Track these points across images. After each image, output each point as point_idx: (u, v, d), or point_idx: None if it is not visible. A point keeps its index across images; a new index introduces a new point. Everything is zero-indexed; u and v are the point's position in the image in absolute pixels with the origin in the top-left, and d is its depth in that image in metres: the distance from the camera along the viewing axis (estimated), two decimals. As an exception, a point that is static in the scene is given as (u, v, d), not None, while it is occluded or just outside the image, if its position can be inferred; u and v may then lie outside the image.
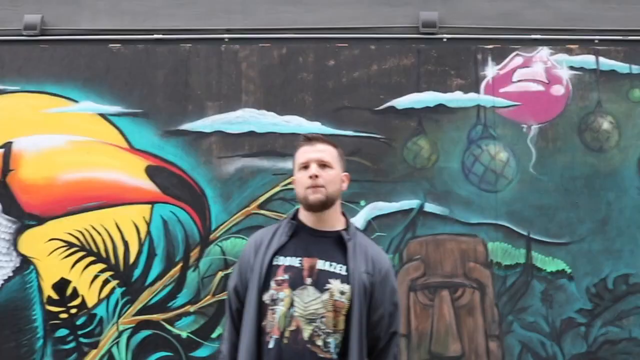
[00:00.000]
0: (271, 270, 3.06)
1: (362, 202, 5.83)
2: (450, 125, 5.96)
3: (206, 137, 5.93)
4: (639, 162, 5.95)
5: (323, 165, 3.10)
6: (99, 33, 6.12)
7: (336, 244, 3.11)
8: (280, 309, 2.98)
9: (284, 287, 3.01)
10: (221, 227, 5.83)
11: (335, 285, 3.00)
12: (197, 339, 5.64)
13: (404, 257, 5.78)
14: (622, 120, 6.00)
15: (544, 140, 5.93)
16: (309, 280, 3.00)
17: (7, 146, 5.88)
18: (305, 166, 3.12)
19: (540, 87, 6.09)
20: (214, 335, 5.63)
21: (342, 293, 2.99)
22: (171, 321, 5.69)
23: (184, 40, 6.11)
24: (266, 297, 3.01)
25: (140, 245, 5.82)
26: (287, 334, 2.94)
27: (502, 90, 6.05)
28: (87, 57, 6.06)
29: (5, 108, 5.97)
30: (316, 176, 3.05)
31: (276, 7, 6.21)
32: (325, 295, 2.98)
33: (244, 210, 5.86)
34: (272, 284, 3.02)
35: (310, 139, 3.24)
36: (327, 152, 3.17)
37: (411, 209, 5.86)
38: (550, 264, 5.81)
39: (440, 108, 5.98)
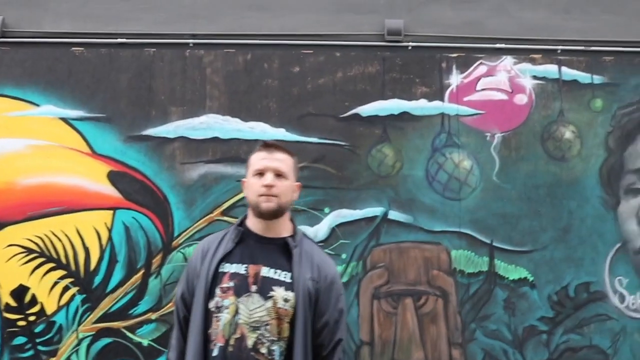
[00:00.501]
0: (217, 277, 3.07)
1: (326, 209, 5.85)
2: (414, 133, 6.01)
3: (169, 142, 5.92)
4: (600, 171, 6.04)
5: (279, 175, 3.12)
6: (61, 36, 6.06)
7: (282, 251, 3.13)
8: (225, 316, 2.99)
9: (229, 294, 3.03)
10: (184, 233, 5.81)
11: (278, 292, 3.02)
12: (159, 347, 5.62)
13: (367, 265, 5.80)
14: (584, 129, 6.11)
15: (507, 148, 6.00)
16: (254, 288, 3.01)
17: None
18: (261, 173, 3.12)
19: (504, 96, 6.17)
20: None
21: (285, 300, 3.01)
22: (132, 329, 5.65)
23: (148, 45, 6.09)
24: (212, 305, 3.02)
25: (102, 251, 5.78)
26: (231, 341, 2.95)
27: (466, 98, 6.12)
28: (49, 60, 6.01)
29: None
30: (271, 186, 3.06)
31: (242, 12, 6.22)
32: (269, 303, 3.00)
33: (207, 217, 5.84)
34: (218, 291, 3.02)
35: (269, 145, 3.24)
36: (284, 162, 3.18)
37: (375, 217, 5.90)
38: (513, 272, 5.88)
39: (405, 116, 6.03)
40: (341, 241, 5.84)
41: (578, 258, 5.91)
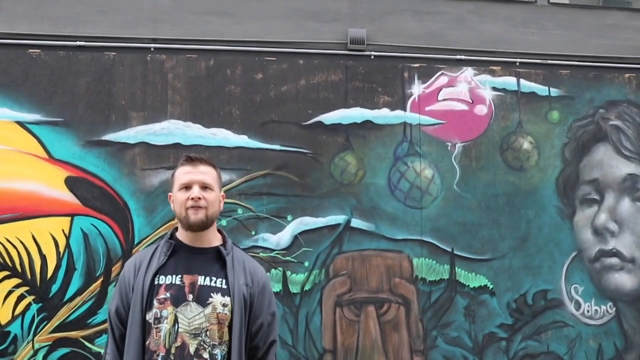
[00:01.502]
0: (153, 289, 3.14)
1: (289, 217, 5.94)
2: (377, 141, 6.16)
3: (130, 148, 5.93)
4: (557, 181, 6.29)
5: (205, 187, 3.22)
6: (17, 37, 5.99)
7: (215, 259, 3.24)
8: (165, 326, 3.08)
9: (166, 304, 3.10)
10: (145, 240, 5.84)
11: (216, 298, 3.13)
12: None
13: (330, 273, 5.94)
14: (542, 140, 6.37)
15: (467, 158, 6.21)
16: (190, 297, 3.11)
17: None
18: (187, 187, 3.22)
19: (464, 107, 6.35)
20: None
21: (224, 305, 3.14)
22: (91, 338, 5.66)
23: (108, 48, 6.08)
24: (149, 316, 3.10)
25: (59, 259, 5.76)
26: (173, 350, 3.05)
27: (427, 108, 6.29)
28: (4, 62, 5.96)
29: None
30: (199, 198, 3.17)
31: (204, 17, 6.25)
32: (208, 309, 3.11)
33: (168, 224, 5.86)
34: (155, 302, 3.11)
35: (193, 159, 3.32)
36: (209, 174, 3.28)
37: (338, 225, 6.02)
38: (473, 279, 6.09)
39: (368, 124, 6.18)
40: (304, 249, 5.94)
41: (536, 266, 6.16)
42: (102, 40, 6.15)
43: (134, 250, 5.84)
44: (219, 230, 3.39)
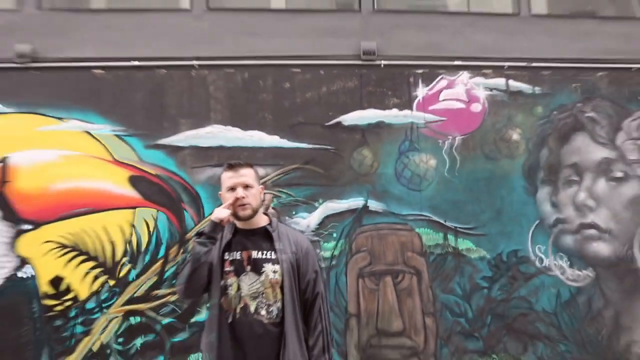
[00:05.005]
0: (223, 263, 3.78)
1: (317, 203, 6.40)
2: (389, 137, 6.58)
3: (180, 150, 6.36)
4: (543, 165, 6.74)
5: (246, 186, 3.83)
6: (83, 60, 6.43)
7: (264, 236, 3.86)
8: (231, 292, 3.71)
9: (231, 275, 3.74)
10: (196, 227, 6.25)
11: (268, 267, 3.78)
12: (177, 325, 6.16)
13: (353, 249, 6.39)
14: (528, 132, 6.78)
15: (465, 148, 6.65)
16: (248, 268, 3.78)
17: (4, 161, 6.20)
18: (232, 188, 3.83)
19: (462, 105, 6.72)
20: (192, 321, 6.17)
21: (274, 272, 3.77)
22: (155, 309, 6.13)
23: (159, 67, 6.50)
24: (222, 283, 3.79)
25: (126, 244, 6.20)
26: (238, 310, 3.73)
27: (430, 107, 6.68)
28: (74, 82, 6.38)
29: (2, 127, 6.28)
30: (243, 197, 3.79)
31: (238, 38, 6.63)
32: (263, 277, 3.75)
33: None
34: (224, 274, 3.78)
35: (234, 165, 3.90)
36: (248, 175, 3.87)
37: (357, 207, 6.47)
38: (461, 244, 6.59)
39: (380, 123, 6.59)
40: (332, 223, 6.39)
41: (508, 232, 6.67)
42: (154, 60, 6.49)
43: (187, 236, 6.19)
44: (265, 213, 3.96)
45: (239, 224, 3.87)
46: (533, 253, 6.70)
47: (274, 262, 3.76)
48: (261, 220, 3.90)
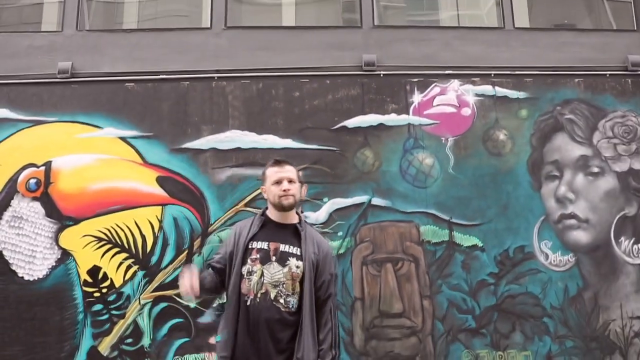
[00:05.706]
0: (247, 251, 3.79)
1: (325, 200, 6.74)
2: (388, 139, 6.93)
3: (203, 152, 6.79)
4: (527, 163, 6.99)
5: (291, 181, 3.88)
6: (117, 75, 6.95)
7: (293, 233, 3.89)
8: (255, 278, 3.71)
9: (256, 263, 3.75)
10: (217, 221, 6.69)
11: (292, 261, 3.78)
12: (202, 309, 6.53)
13: (357, 240, 6.68)
14: (514, 132, 7.08)
15: (458, 148, 6.96)
16: (274, 258, 3.78)
17: (48, 164, 6.70)
18: (278, 182, 3.87)
19: (453, 110, 7.07)
20: (214, 305, 6.50)
21: (297, 267, 3.77)
22: (181, 295, 6.13)
23: (183, 79, 6.98)
24: (244, 270, 3.77)
25: (155, 238, 6.62)
26: (259, 295, 3.72)
27: (425, 112, 7.04)
28: (109, 94, 6.90)
29: (45, 135, 6.80)
30: (289, 189, 3.86)
31: (253, 52, 7.13)
32: (286, 269, 3.74)
33: (234, 208, 6.70)
34: (249, 261, 3.79)
35: (280, 162, 3.97)
36: (291, 172, 3.93)
37: (362, 203, 6.77)
38: (467, 240, 6.76)
39: (381, 126, 6.95)
40: (337, 222, 6.69)
41: (515, 228, 6.82)
42: (178, 73, 6.99)
43: (209, 229, 6.56)
44: (296, 212, 4.00)
45: (272, 215, 3.94)
46: (539, 249, 6.86)
47: (299, 258, 3.80)
48: (294, 218, 3.97)
